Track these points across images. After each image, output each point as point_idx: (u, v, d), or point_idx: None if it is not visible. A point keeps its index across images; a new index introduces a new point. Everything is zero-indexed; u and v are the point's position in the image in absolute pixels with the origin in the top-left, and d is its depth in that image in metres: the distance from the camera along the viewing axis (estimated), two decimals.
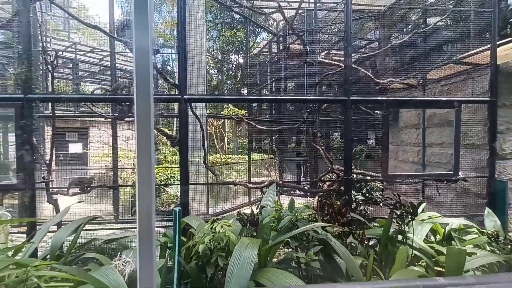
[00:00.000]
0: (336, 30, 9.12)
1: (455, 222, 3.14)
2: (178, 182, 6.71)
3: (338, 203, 2.47)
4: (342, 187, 3.98)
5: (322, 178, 5.08)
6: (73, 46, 8.06)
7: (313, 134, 5.20)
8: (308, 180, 6.24)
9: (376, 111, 5.08)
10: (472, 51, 4.39)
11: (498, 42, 4.14)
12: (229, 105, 8.22)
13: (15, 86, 4.25)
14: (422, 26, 5.02)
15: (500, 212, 3.88)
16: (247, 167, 7.91)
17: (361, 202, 4.80)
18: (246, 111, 8.39)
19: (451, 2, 5.49)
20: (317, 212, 3.01)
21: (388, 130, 4.19)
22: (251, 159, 8.08)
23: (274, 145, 6.25)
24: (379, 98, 4.00)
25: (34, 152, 3.32)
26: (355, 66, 4.69)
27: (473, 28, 4.72)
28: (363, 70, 4.83)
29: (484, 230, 2.93)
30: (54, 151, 3.84)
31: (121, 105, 3.30)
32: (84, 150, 7.60)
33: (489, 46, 4.02)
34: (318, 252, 1.95)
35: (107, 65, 9.70)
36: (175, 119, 12.23)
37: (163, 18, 13.00)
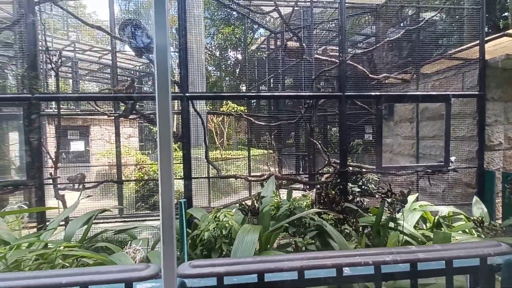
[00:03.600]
0: (333, 26, 9.22)
1: (445, 210, 3.32)
2: (180, 177, 6.87)
3: (333, 192, 2.63)
4: (339, 179, 4.15)
5: (320, 171, 5.25)
6: (72, 45, 8.14)
7: (310, 129, 5.35)
8: (307, 173, 6.40)
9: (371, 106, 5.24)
10: (463, 47, 4.54)
11: (486, 38, 4.29)
12: (228, 101, 8.36)
13: (21, 86, 4.36)
14: (419, 20, 5.14)
15: (489, 200, 4.07)
16: (246, 162, 8.11)
17: (357, 194, 4.99)
18: (245, 107, 8.52)
19: None
20: (314, 202, 3.19)
21: (381, 124, 4.35)
22: (251, 154, 8.25)
23: (273, 141, 6.41)
24: (373, 93, 4.15)
25: (41, 150, 3.46)
26: (351, 62, 4.83)
27: (467, 23, 4.87)
28: (358, 66, 4.98)
29: (471, 217, 3.11)
30: (59, 148, 3.97)
31: (125, 104, 3.43)
32: (87, 148, 7.72)
33: (478, 42, 4.17)
34: (314, 237, 2.12)
35: (105, 63, 9.78)
36: (174, 116, 12.34)
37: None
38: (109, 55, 10.03)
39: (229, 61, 14.94)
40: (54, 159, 3.98)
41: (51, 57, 3.66)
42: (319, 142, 4.71)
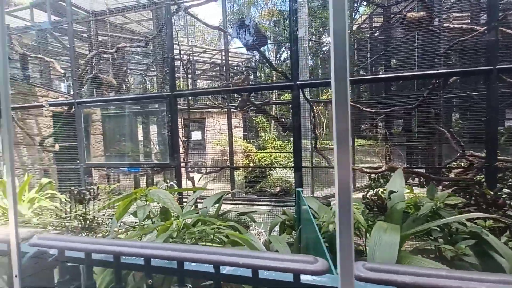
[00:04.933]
0: None
1: None
2: (281, 166, 7.02)
3: (492, 193, 2.09)
4: (480, 176, 3.33)
5: (449, 164, 4.37)
6: (191, 49, 9.47)
7: (436, 114, 4.48)
8: (428, 167, 5.47)
9: None
10: None
11: None
12: (328, 89, 7.99)
13: (160, 86, 5.35)
14: None
15: None
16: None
17: (504, 196, 3.93)
18: None
19: None
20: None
21: None
22: (352, 144, 7.71)
23: (382, 129, 5.73)
24: None
25: (178, 139, 4.14)
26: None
27: None
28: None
29: None
30: (189, 137, 4.70)
31: (241, 95, 3.69)
32: (204, 137, 8.99)
33: None
34: (467, 247, 1.73)
35: (215, 62, 10.98)
36: (272, 106, 12.80)
37: (260, 11, 13.60)
38: (218, 55, 11.21)
39: (325, 48, 14.23)
40: (185, 147, 4.73)
41: (182, 61, 4.29)
42: (451, 129, 3.88)
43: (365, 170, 3.32)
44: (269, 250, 2.48)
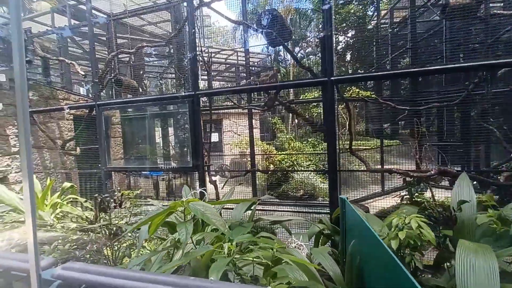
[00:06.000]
0: None
1: None
2: (302, 169, 6.67)
3: None
4: None
5: (498, 167, 3.94)
6: (206, 51, 9.34)
7: (482, 111, 4.06)
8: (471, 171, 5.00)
9: None
10: None
11: None
12: (352, 87, 7.66)
13: (181, 86, 5.18)
14: None
15: None
16: (371, 153, 7.38)
17: None
18: (371, 92, 7.58)
19: None
20: None
21: None
22: (374, 145, 7.41)
23: (417, 127, 5.33)
24: None
25: (200, 141, 3.94)
26: None
27: None
28: None
29: None
30: (210, 140, 4.50)
31: (268, 94, 3.43)
32: (221, 139, 8.82)
33: None
34: None
35: (230, 63, 10.83)
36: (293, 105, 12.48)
37: (277, 7, 13.36)
38: (232, 56, 11.05)
39: (344, 43, 13.84)
40: (207, 149, 4.53)
41: (204, 60, 4.10)
42: (504, 127, 3.47)
43: (411, 174, 2.97)
44: (311, 262, 2.22)
